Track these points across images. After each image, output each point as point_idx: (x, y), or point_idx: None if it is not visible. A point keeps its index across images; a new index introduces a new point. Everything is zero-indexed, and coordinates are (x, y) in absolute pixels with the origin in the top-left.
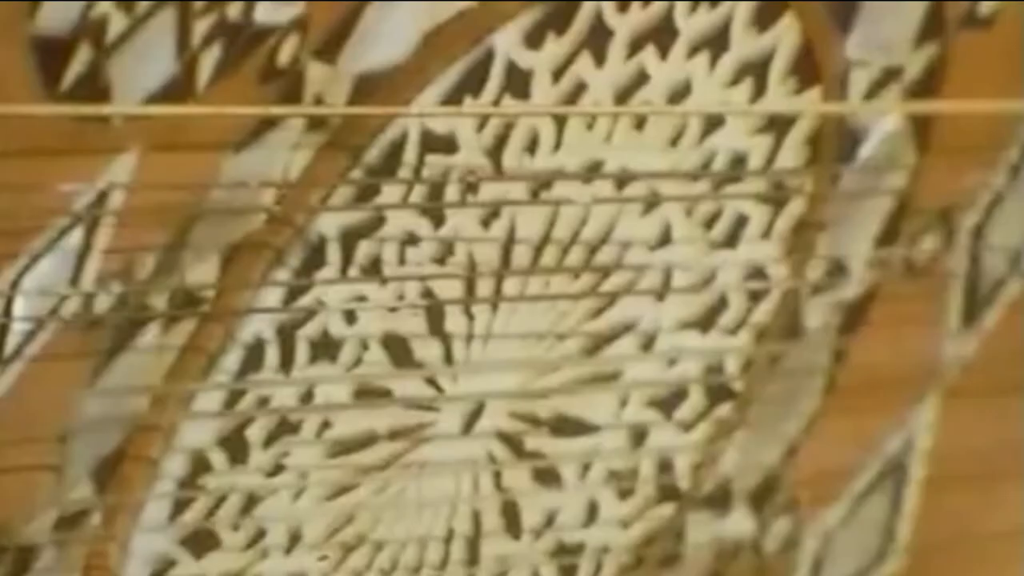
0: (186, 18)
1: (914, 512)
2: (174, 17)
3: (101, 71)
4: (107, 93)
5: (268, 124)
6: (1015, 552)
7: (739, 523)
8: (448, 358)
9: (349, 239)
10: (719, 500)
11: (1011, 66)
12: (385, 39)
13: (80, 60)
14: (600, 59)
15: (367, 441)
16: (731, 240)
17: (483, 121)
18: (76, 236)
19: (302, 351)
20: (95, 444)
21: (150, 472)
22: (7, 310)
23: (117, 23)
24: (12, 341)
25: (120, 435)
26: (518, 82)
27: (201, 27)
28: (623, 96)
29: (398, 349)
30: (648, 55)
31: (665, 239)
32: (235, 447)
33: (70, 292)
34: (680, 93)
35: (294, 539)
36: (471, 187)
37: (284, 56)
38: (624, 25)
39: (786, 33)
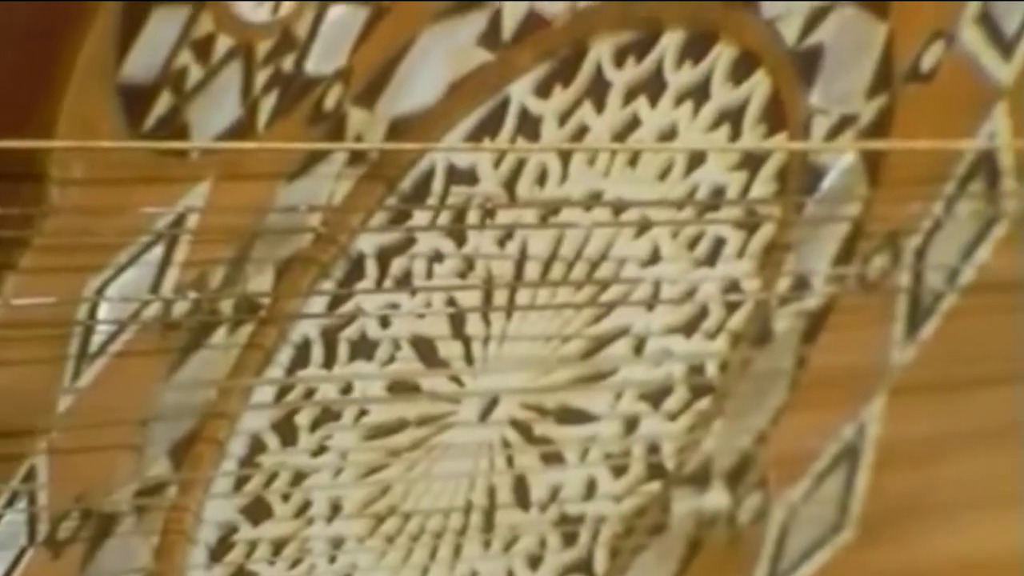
0: (249, 70)
1: (864, 490)
2: (240, 69)
3: (180, 113)
4: (185, 131)
5: (316, 158)
6: (950, 523)
7: (717, 498)
8: (468, 357)
9: (384, 256)
10: (700, 478)
11: (947, 113)
12: (417, 88)
13: (162, 104)
14: (600, 106)
15: (398, 427)
16: (711, 259)
17: (500, 157)
18: (157, 251)
19: (343, 350)
20: (172, 428)
21: (217, 452)
22: (93, 313)
23: (194, 74)
24: (97, 340)
25: (193, 421)
26: (530, 125)
27: (261, 77)
28: (619, 137)
29: (425, 349)
30: (641, 104)
31: (655, 257)
32: (286, 431)
33: (151, 298)
34: (668, 135)
35: (335, 509)
36: (489, 213)
37: (330, 102)
38: (620, 78)
39: (758, 86)
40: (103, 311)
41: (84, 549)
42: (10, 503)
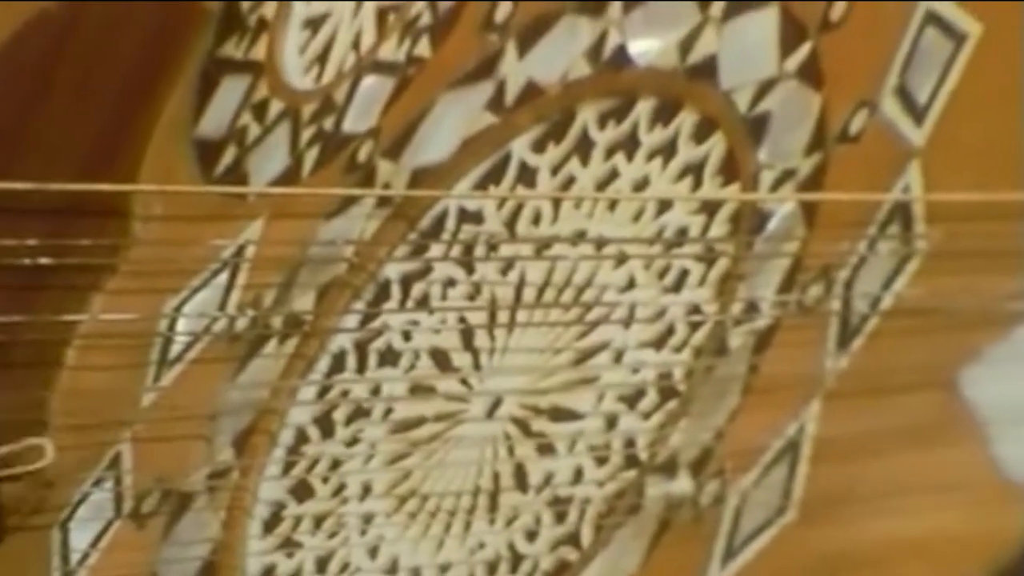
0: (296, 129)
1: (804, 479)
2: (289, 127)
3: (242, 163)
4: (245, 178)
5: (350, 201)
6: (877, 507)
7: (682, 484)
8: (476, 365)
9: (406, 281)
10: (668, 467)
11: (870, 169)
12: (434, 144)
13: (228, 156)
14: (585, 161)
15: (418, 422)
16: (677, 286)
17: (502, 202)
18: (223, 276)
19: (372, 359)
20: (234, 422)
21: (270, 442)
22: (172, 327)
23: (253, 131)
24: (175, 349)
25: (251, 416)
26: (527, 175)
27: (306, 134)
28: (601, 186)
29: (441, 358)
30: (619, 159)
31: (630, 285)
32: (325, 425)
33: (218, 315)
34: (641, 185)
35: (366, 490)
36: (493, 247)
37: (362, 155)
38: (603, 138)
39: (716, 145)
40: (181, 325)
41: (165, 521)
42: (97, 484)
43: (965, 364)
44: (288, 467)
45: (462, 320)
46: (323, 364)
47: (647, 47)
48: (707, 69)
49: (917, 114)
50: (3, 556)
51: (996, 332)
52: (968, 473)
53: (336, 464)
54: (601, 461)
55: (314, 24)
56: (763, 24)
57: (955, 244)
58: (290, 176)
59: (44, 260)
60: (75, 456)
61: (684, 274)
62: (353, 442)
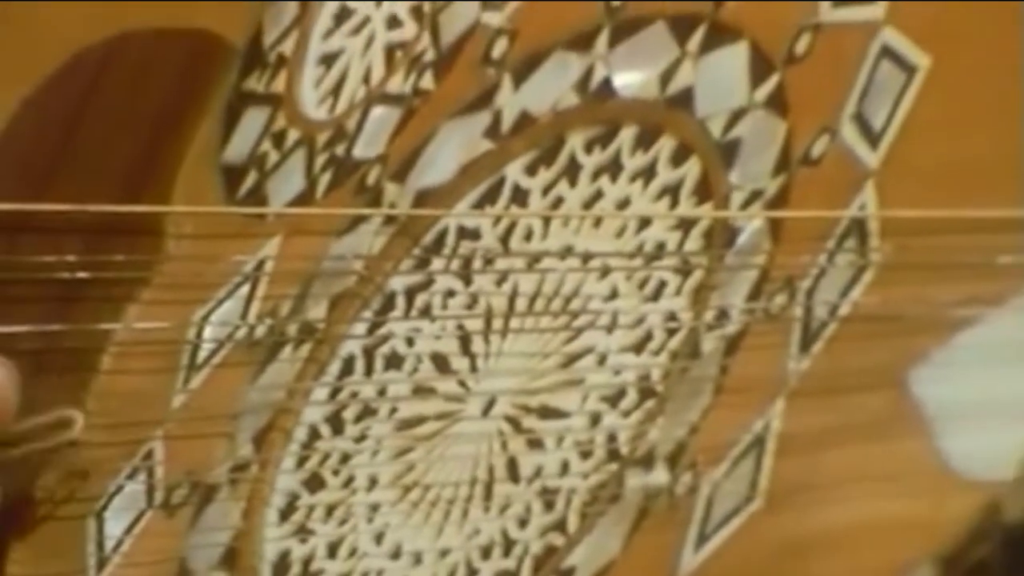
0: (311, 155)
1: (769, 470)
2: (304, 155)
3: (262, 187)
4: (265, 200)
5: (359, 220)
6: (835, 495)
7: (659, 476)
8: (473, 368)
9: (410, 292)
10: (647, 460)
11: (830, 189)
12: (436, 168)
13: (250, 180)
14: (573, 183)
15: (421, 420)
16: (655, 296)
17: (497, 220)
18: (245, 288)
19: (379, 363)
20: (254, 420)
21: (286, 438)
22: (199, 334)
23: (272, 157)
24: (202, 355)
25: (269, 415)
26: (520, 196)
27: (320, 160)
28: (587, 205)
29: (440, 362)
30: (604, 181)
31: (613, 295)
32: (336, 423)
33: (240, 323)
34: (623, 204)
35: (372, 482)
36: (489, 261)
37: (371, 178)
38: (589, 162)
39: (691, 168)
40: (207, 333)
41: (192, 511)
42: (130, 476)
43: (914, 365)
44: (302, 461)
45: (460, 327)
46: (334, 368)
47: (630, 80)
48: (684, 99)
49: (872, 139)
50: (39, 544)
51: (942, 337)
52: (916, 464)
53: (346, 458)
54: (586, 455)
55: (328, 60)
56: (735, 58)
57: (906, 257)
58: (305, 198)
59: (82, 274)
60: (110, 452)
61: (662, 285)
62: (361, 438)
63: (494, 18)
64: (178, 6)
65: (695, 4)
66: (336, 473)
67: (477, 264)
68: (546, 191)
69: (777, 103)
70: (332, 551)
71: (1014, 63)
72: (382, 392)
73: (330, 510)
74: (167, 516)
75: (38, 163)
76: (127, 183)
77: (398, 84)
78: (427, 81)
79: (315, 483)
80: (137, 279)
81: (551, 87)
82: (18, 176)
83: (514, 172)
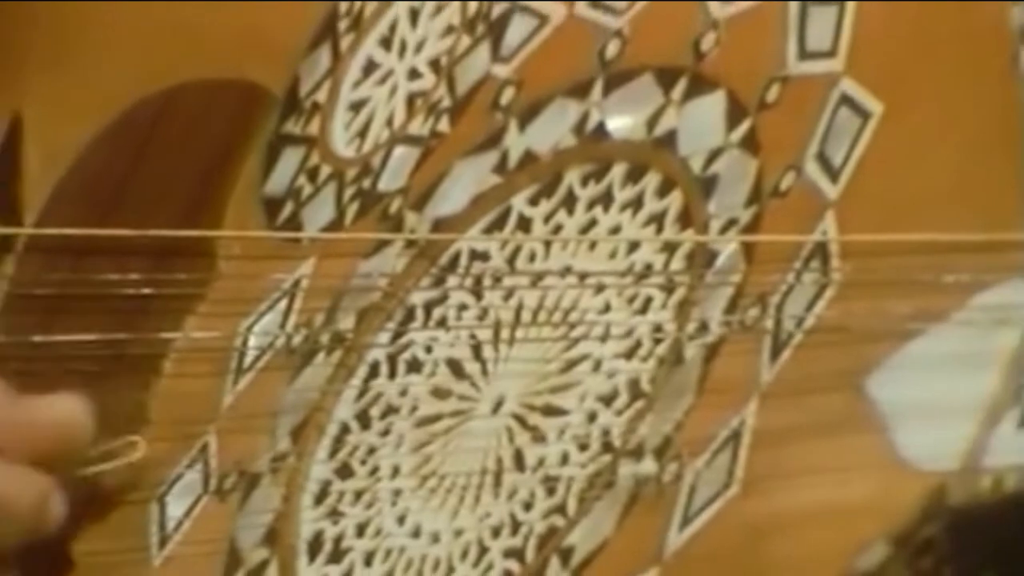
0: (341, 188)
1: (744, 461)
2: (335, 188)
3: (298, 215)
4: (300, 226)
5: (383, 244)
6: (801, 484)
7: (648, 466)
8: (484, 372)
9: (428, 306)
10: (636, 452)
11: (796, 218)
12: (450, 200)
13: (287, 210)
14: (571, 212)
15: (438, 417)
16: (644, 310)
17: (504, 244)
18: (283, 303)
19: (401, 368)
20: (291, 418)
21: (319, 433)
22: (245, 343)
23: (307, 190)
24: (248, 360)
25: (304, 413)
26: (524, 223)
27: (348, 192)
28: (583, 231)
29: (455, 367)
30: (598, 211)
31: (606, 309)
32: (363, 420)
33: (280, 333)
34: (615, 230)
35: (395, 471)
36: (497, 279)
37: (393, 208)
38: (585, 194)
39: (675, 200)
40: (251, 341)
41: (240, 496)
42: (189, 466)
43: (870, 371)
44: (333, 453)
45: (472, 336)
46: (361, 372)
47: (621, 123)
48: (668, 140)
49: (833, 174)
50: (107, 524)
51: (894, 345)
52: (872, 456)
53: (372, 450)
54: (583, 447)
55: (357, 107)
56: (713, 105)
57: (862, 276)
58: (335, 225)
59: (146, 291)
60: (171, 445)
61: (649, 300)
62: (385, 433)
63: (502, 70)
64: (227, 60)
65: (679, 57)
66: (363, 463)
67: (487, 282)
68: (547, 219)
69: (750, 144)
70: (360, 531)
71: (955, 109)
72: (404, 393)
73: (358, 495)
74: (219, 500)
75: (104, 193)
76: (186, 212)
77: (417, 127)
78: (443, 124)
79: (345, 472)
80: (194, 295)
81: (552, 130)
82: (85, 205)
83: (519, 203)
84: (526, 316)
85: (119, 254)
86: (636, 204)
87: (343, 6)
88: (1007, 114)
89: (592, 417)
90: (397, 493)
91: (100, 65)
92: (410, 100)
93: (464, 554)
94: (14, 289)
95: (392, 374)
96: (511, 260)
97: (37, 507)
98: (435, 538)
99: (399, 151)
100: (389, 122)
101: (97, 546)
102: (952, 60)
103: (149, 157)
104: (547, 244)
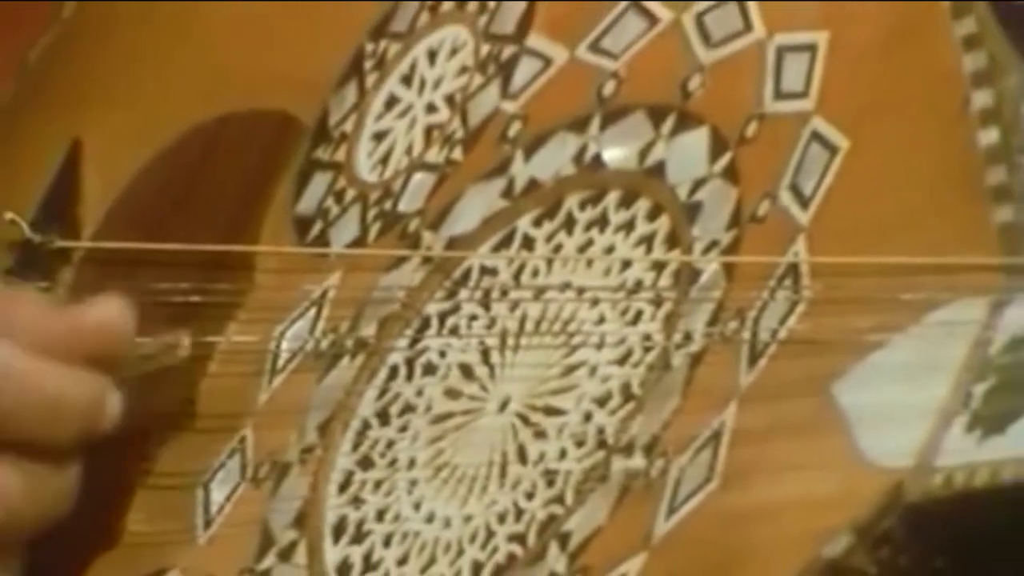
0: (365, 209)
1: (724, 458)
2: (359, 209)
3: (326, 234)
4: (328, 244)
5: (401, 260)
6: (773, 478)
7: (638, 461)
8: (491, 375)
9: (442, 316)
10: (627, 449)
11: (771, 241)
12: (463, 221)
13: (316, 228)
14: (570, 233)
15: (450, 416)
16: (635, 321)
17: (511, 261)
18: (312, 311)
19: (418, 371)
20: (319, 415)
21: (344, 429)
22: (279, 346)
23: (334, 211)
24: (281, 362)
25: (330, 410)
26: (529, 243)
27: (371, 213)
28: (582, 250)
29: (466, 371)
30: (594, 232)
31: (601, 320)
32: (383, 417)
33: (309, 339)
34: (610, 250)
35: (411, 463)
36: (504, 293)
37: (411, 228)
38: (583, 217)
39: (663, 224)
40: (284, 345)
41: (273, 483)
42: (230, 456)
43: (836, 378)
44: (356, 446)
45: (481, 343)
46: (382, 374)
47: (616, 155)
48: (658, 170)
49: (804, 202)
50: (158, 508)
51: (858, 355)
52: (837, 456)
53: (390, 444)
54: (580, 444)
55: (379, 137)
56: (698, 140)
57: (830, 293)
58: (359, 242)
59: (195, 298)
60: (214, 436)
61: (639, 313)
62: (403, 429)
63: (510, 106)
64: (266, 94)
65: (668, 97)
66: (383, 455)
67: (495, 295)
68: (549, 239)
69: (730, 174)
70: (379, 516)
71: (913, 146)
72: (419, 393)
73: (378, 484)
74: (255, 487)
75: (157, 212)
76: (228, 229)
77: (434, 155)
78: (457, 154)
79: (366, 463)
80: (235, 303)
81: (554, 160)
82: (139, 222)
83: (524, 224)
84: (529, 326)
85: (170, 266)
86: (628, 227)
87: (369, 47)
88: (959, 151)
89: (588, 417)
90: (413, 483)
91: (154, 97)
92: (427, 131)
93: (473, 538)
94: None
95: (409, 376)
96: (517, 275)
97: (93, 403)
98: (447, 523)
99: (417, 177)
100: (408, 151)
101: (148, 527)
102: (911, 102)
103: (197, 180)
104: (549, 262)
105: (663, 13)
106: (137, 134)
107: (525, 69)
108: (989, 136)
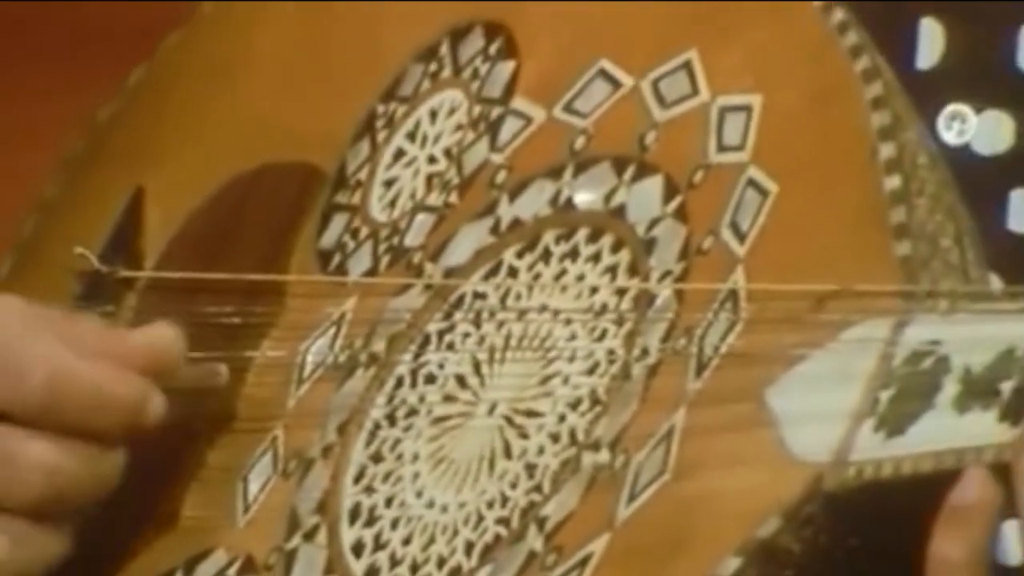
0: (376, 244)
1: (675, 454)
2: (372, 244)
3: (344, 264)
4: (346, 273)
5: (407, 287)
6: (718, 471)
7: (603, 456)
8: (482, 384)
9: (441, 334)
10: (595, 446)
11: (715, 270)
12: (458, 254)
13: (336, 260)
14: (547, 263)
15: (447, 418)
16: (601, 338)
17: (498, 287)
18: (332, 331)
19: (420, 380)
20: (337, 418)
21: (359, 429)
22: (304, 360)
23: (350, 245)
24: (306, 373)
25: (347, 414)
26: (513, 272)
27: (382, 248)
28: (557, 278)
29: (461, 380)
30: (567, 262)
31: (573, 337)
32: (391, 419)
33: (330, 353)
34: (581, 278)
35: (415, 457)
36: (492, 314)
37: (415, 259)
38: (557, 250)
39: (624, 256)
40: (308, 359)
41: (299, 476)
42: (264, 453)
43: (768, 386)
44: (369, 443)
45: (473, 357)
46: (390, 383)
47: (585, 198)
48: (620, 211)
49: (741, 238)
50: (206, 496)
51: (786, 367)
52: (768, 451)
53: (397, 442)
54: (555, 441)
55: (388, 183)
56: (653, 185)
57: (763, 314)
58: (372, 272)
59: (236, 319)
60: (252, 436)
61: (605, 331)
62: (408, 429)
63: (497, 158)
64: (296, 148)
65: (629, 150)
66: (391, 451)
67: (485, 316)
68: (530, 268)
69: (680, 214)
70: (388, 503)
71: (831, 190)
72: (422, 399)
73: (387, 476)
74: (284, 479)
75: (206, 247)
76: (263, 261)
77: (434, 199)
78: (453, 198)
79: (377, 458)
80: (268, 323)
81: (533, 202)
82: (192, 255)
83: (509, 256)
84: (513, 342)
85: (217, 292)
86: (596, 258)
87: (380, 109)
88: (869, 194)
89: (562, 419)
90: (416, 475)
91: (204, 151)
92: (428, 179)
93: (466, 521)
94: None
95: (413, 385)
96: (503, 300)
97: (138, 400)
98: (444, 509)
99: (420, 217)
100: (413, 195)
101: (199, 513)
102: (829, 153)
103: (239, 221)
104: (529, 288)
105: (625, 79)
106: (189, 181)
107: (510, 127)
108: (893, 182)
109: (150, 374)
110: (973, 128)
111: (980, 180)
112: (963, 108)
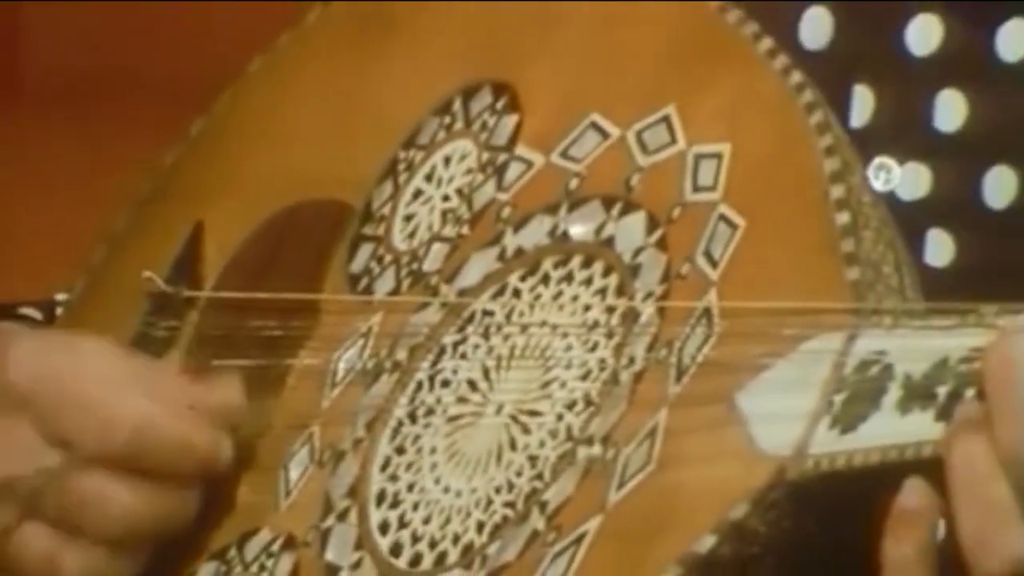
0: (399, 269)
1: (659, 448)
2: (395, 269)
3: (371, 286)
4: (373, 293)
5: (425, 305)
6: (693, 464)
7: (596, 450)
8: (491, 388)
9: (455, 345)
10: (589, 441)
11: (691, 291)
12: (469, 277)
13: (364, 281)
14: (546, 285)
15: (460, 417)
16: (593, 349)
17: (505, 305)
18: (360, 342)
19: (437, 384)
20: (366, 416)
21: (384, 426)
22: (337, 367)
23: (376, 270)
24: (338, 378)
25: (374, 413)
26: (517, 293)
27: (403, 272)
28: (554, 297)
29: (472, 384)
30: (564, 285)
31: (569, 348)
32: (413, 418)
33: (359, 361)
34: (576, 298)
35: (433, 450)
36: (498, 328)
37: (432, 281)
38: (555, 274)
39: (613, 279)
40: (340, 366)
41: (332, 465)
42: (302, 446)
43: (738, 390)
44: (393, 438)
45: (483, 365)
46: (411, 387)
47: (579, 231)
48: (609, 242)
49: (714, 264)
50: (257, 482)
51: (753, 374)
52: (738, 446)
53: (418, 437)
54: (554, 437)
55: (408, 218)
56: (637, 220)
57: (733, 329)
58: (395, 292)
59: (278, 332)
60: (292, 432)
61: (596, 343)
62: (427, 426)
63: (503, 196)
64: (327, 187)
65: (616, 190)
66: (412, 445)
67: (493, 330)
68: (531, 290)
69: (661, 245)
70: (410, 488)
71: (790, 224)
72: (439, 401)
73: (409, 466)
74: (319, 468)
75: (254, 271)
76: (301, 283)
77: (448, 231)
78: (465, 230)
79: (400, 450)
80: (306, 336)
81: (534, 234)
82: (242, 279)
83: (513, 280)
84: (517, 352)
85: (263, 310)
86: (588, 282)
87: (401, 155)
88: (823, 227)
89: (560, 418)
90: (434, 465)
91: (252, 189)
92: (443, 214)
93: (477, 504)
94: (197, 332)
95: (431, 389)
96: (508, 316)
97: (214, 450)
98: (459, 494)
99: (436, 246)
100: (430, 228)
101: (251, 498)
102: (788, 193)
103: (281, 249)
104: (531, 306)
105: (613, 130)
106: (241, 216)
107: (514, 170)
108: (843, 217)
109: (222, 425)
110: (897, 177)
111: (902, 221)
112: (888, 160)
